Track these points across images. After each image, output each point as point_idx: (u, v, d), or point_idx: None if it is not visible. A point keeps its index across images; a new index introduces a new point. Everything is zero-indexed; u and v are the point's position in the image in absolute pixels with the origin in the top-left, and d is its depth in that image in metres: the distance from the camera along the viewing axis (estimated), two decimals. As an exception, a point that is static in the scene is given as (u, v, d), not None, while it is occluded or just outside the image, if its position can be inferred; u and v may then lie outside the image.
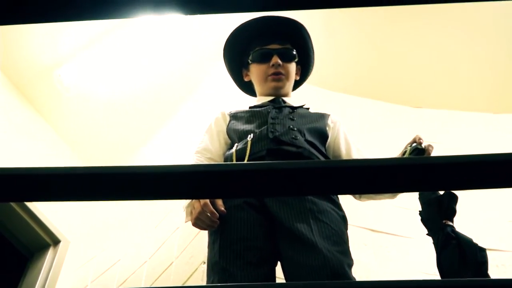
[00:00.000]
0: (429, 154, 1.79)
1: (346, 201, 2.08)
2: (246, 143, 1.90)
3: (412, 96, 4.09)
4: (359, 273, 2.47)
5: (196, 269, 2.70)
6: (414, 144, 1.82)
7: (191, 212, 1.78)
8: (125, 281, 3.38)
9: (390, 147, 1.99)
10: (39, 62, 4.16)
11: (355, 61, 4.12)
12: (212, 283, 1.71)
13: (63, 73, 4.15)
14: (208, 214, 1.73)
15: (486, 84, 4.05)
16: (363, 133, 3.54)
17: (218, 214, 1.75)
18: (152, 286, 3.04)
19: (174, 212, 3.28)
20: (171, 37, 4.11)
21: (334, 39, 4.04)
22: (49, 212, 3.86)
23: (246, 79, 2.27)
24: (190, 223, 1.81)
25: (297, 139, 1.89)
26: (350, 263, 1.70)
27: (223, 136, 2.07)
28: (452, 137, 3.68)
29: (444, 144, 3.46)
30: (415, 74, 4.11)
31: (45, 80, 4.21)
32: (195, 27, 4.05)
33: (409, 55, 4.07)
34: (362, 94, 4.04)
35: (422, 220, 1.77)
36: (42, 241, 3.87)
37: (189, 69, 4.28)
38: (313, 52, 2.26)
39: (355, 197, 2.08)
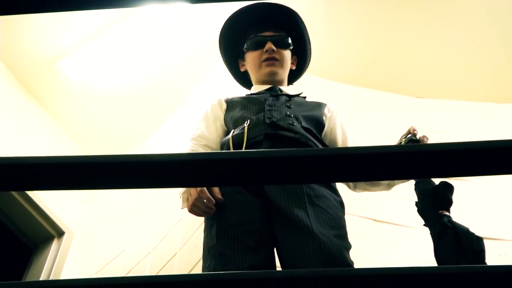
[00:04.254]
0: None
1: (348, 191, 2.08)
2: (243, 129, 1.90)
3: (414, 86, 4.09)
4: (362, 263, 2.48)
5: (200, 259, 2.71)
6: (409, 135, 1.83)
7: (188, 199, 1.79)
8: (129, 272, 3.40)
9: (392, 138, 1.99)
10: (42, 54, 4.17)
11: (357, 51, 4.11)
12: (208, 267, 1.71)
13: (66, 65, 4.16)
14: (205, 200, 1.74)
15: (488, 74, 4.04)
16: (365, 124, 3.54)
17: (214, 201, 1.76)
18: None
19: (177, 203, 3.29)
20: (175, 28, 4.11)
21: (336, 29, 4.03)
22: (53, 204, 3.88)
23: (242, 69, 2.27)
24: (193, 213, 1.81)
25: (294, 125, 1.90)
26: (347, 247, 1.70)
27: (220, 122, 2.06)
28: (455, 127, 3.68)
29: (447, 134, 3.47)
30: (417, 64, 4.10)
31: (48, 73, 4.21)
32: (199, 17, 4.04)
33: (411, 45, 4.06)
34: (364, 85, 4.04)
35: (418, 211, 1.77)
36: (47, 233, 3.89)
37: (193, 60, 4.28)
38: (310, 43, 2.26)
39: (349, 188, 2.07)
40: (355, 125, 2.19)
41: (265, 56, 2.13)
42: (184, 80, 4.38)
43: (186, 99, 4.39)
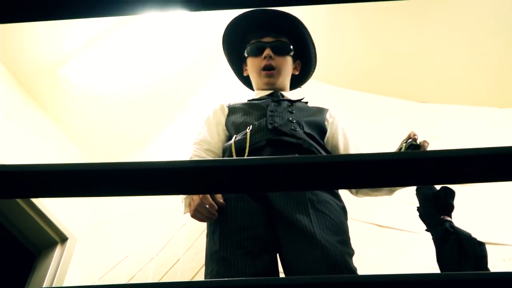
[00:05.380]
0: (425, 149, 1.79)
1: (351, 196, 2.08)
2: (245, 134, 1.90)
3: (416, 90, 4.08)
4: (365, 268, 2.48)
5: (203, 265, 2.70)
6: (409, 140, 1.83)
7: (190, 204, 1.79)
8: (132, 277, 3.40)
9: (394, 142, 1.98)
10: (44, 60, 4.18)
11: (359, 56, 4.11)
12: (211, 273, 1.71)
13: (69, 71, 4.17)
14: (207, 206, 1.74)
15: (491, 78, 4.03)
16: (368, 129, 3.54)
17: (216, 207, 1.75)
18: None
19: (180, 209, 3.29)
20: (176, 33, 4.12)
21: (339, 34, 4.04)
22: (56, 210, 3.88)
23: (245, 74, 2.27)
24: (196, 219, 1.81)
25: (296, 130, 1.90)
26: (350, 253, 1.69)
27: (222, 127, 2.06)
28: (457, 131, 3.67)
29: (449, 139, 3.46)
30: (420, 69, 4.10)
31: (50, 78, 4.22)
32: (200, 22, 4.05)
33: (414, 50, 4.06)
34: (367, 89, 4.04)
35: (420, 216, 1.77)
36: (50, 239, 3.90)
37: (195, 64, 4.29)
38: (314, 47, 2.25)
39: (351, 193, 2.07)
40: (356, 130, 2.18)
41: (263, 63, 2.14)
42: (186, 84, 4.39)
43: (188, 103, 4.40)
